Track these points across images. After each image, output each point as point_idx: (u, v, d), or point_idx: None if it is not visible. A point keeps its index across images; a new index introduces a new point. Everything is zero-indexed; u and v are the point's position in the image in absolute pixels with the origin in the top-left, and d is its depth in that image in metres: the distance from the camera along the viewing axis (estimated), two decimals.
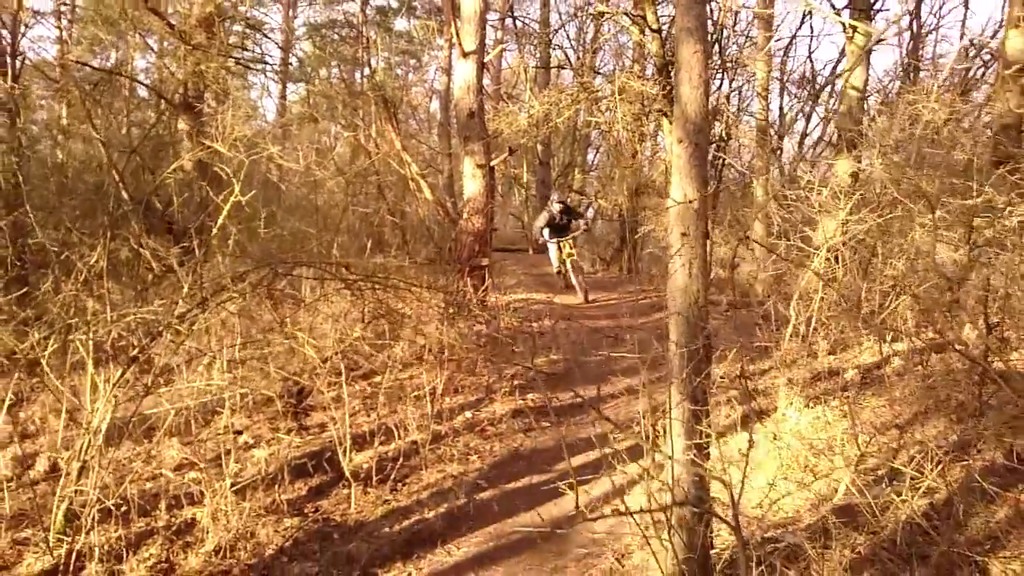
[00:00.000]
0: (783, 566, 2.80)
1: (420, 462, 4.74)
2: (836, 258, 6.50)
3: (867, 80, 11.41)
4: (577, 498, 2.36)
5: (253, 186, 7.71)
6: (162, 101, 11.05)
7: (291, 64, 19.80)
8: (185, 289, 4.12)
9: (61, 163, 11.10)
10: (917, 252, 5.28)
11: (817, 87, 18.87)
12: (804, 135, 19.42)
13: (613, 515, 2.65)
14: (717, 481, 2.54)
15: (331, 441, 4.90)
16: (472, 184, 8.08)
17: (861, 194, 6.49)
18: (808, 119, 19.13)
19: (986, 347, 4.94)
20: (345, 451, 4.51)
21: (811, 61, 21.92)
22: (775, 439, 4.51)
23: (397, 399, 5.58)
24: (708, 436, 2.69)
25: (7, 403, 4.47)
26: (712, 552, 2.98)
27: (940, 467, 3.53)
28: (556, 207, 10.01)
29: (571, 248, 9.85)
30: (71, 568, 3.55)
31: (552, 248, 10.11)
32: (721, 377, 5.61)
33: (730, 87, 16.83)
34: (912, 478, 3.32)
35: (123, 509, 3.90)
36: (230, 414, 5.16)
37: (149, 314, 4.05)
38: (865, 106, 10.93)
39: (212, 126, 9.84)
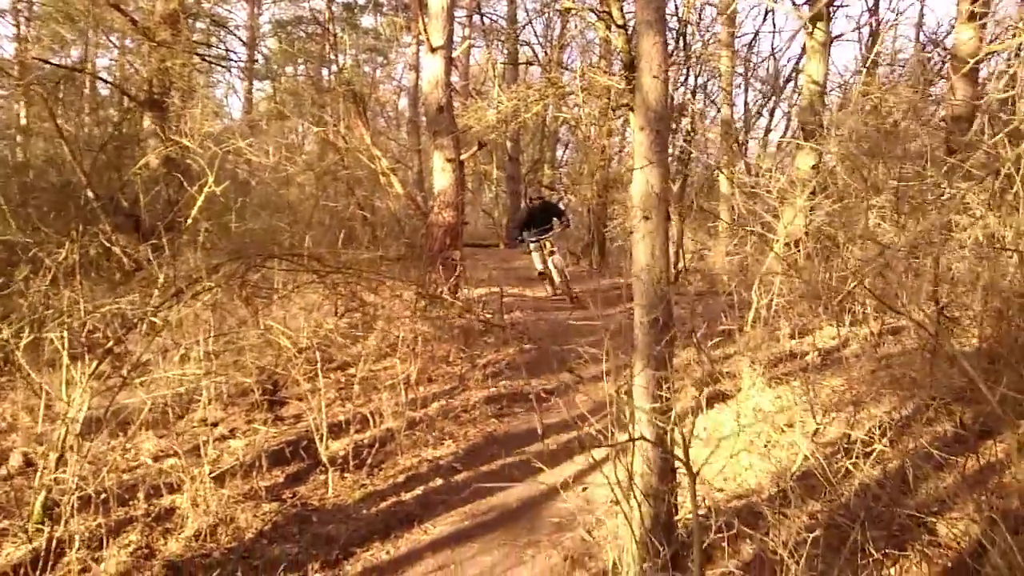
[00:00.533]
0: (742, 527, 2.96)
1: (396, 448, 4.84)
2: (797, 244, 6.73)
3: (827, 74, 11.75)
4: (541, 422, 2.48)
5: (223, 181, 7.75)
6: (126, 98, 10.96)
7: (257, 61, 19.68)
8: (161, 279, 4.18)
9: (23, 162, 10.97)
10: (869, 235, 5.50)
11: (780, 82, 19.25)
12: (768, 129, 19.78)
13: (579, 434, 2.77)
14: (676, 430, 2.69)
15: (307, 431, 4.99)
16: (442, 178, 8.18)
17: (817, 182, 6.73)
18: (772, 113, 19.49)
19: (936, 325, 5.17)
20: (322, 438, 4.59)
21: (774, 57, 22.44)
22: (738, 417, 4.68)
23: (372, 389, 5.67)
24: (668, 399, 2.83)
25: None
26: (676, 519, 3.13)
27: (891, 436, 3.73)
28: (535, 204, 9.61)
29: (551, 246, 9.42)
30: (51, 555, 3.59)
31: (534, 248, 9.57)
32: (687, 364, 5.82)
33: (695, 83, 17.12)
34: (864, 444, 3.50)
35: (102, 498, 3.95)
36: (206, 404, 5.23)
37: (126, 304, 4.10)
38: (825, 100, 11.25)
39: (179, 123, 9.83)
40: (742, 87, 18.65)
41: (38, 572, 3.48)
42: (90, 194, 8.85)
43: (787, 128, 17.84)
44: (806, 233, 6.79)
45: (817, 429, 3.82)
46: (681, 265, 13.03)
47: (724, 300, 7.58)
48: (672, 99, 18.58)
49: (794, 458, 3.93)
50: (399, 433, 4.96)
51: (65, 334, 3.96)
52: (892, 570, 3.02)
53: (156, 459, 4.66)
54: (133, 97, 10.60)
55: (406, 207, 9.42)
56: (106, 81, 12.50)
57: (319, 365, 4.89)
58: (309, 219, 8.50)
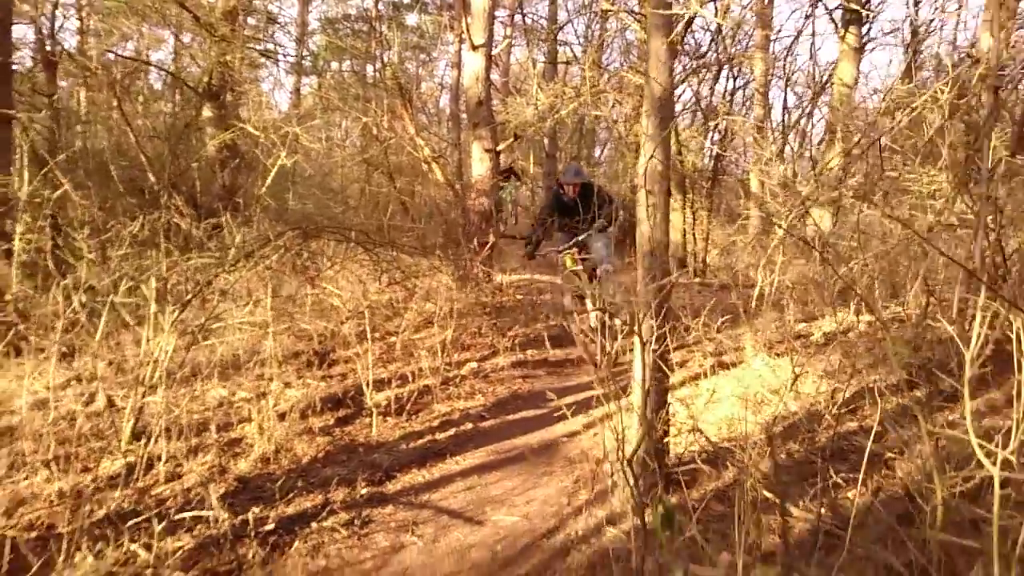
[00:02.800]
0: (727, 456, 3.50)
1: (432, 399, 5.46)
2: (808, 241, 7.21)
3: (857, 77, 12.22)
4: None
5: (279, 165, 8.48)
6: (185, 90, 11.79)
7: (306, 57, 20.51)
8: (237, 239, 4.85)
9: (87, 149, 11.84)
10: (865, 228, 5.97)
11: (819, 86, 19.53)
12: (805, 132, 20.07)
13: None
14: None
15: (354, 385, 5.65)
16: (480, 167, 8.78)
17: (830, 179, 7.20)
18: (810, 116, 19.79)
19: (924, 310, 5.63)
20: (368, 385, 5.22)
21: (814, 60, 22.83)
22: (739, 383, 5.21)
23: (411, 355, 6.31)
24: (667, 348, 3.38)
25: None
26: (667, 442, 3.69)
27: (870, 399, 4.23)
28: (569, 188, 6.60)
29: (574, 259, 6.56)
30: (142, 467, 4.27)
31: (567, 260, 6.66)
32: (698, 340, 6.36)
33: (735, 85, 17.60)
34: (845, 402, 4.02)
35: (181, 426, 4.62)
36: (265, 363, 5.90)
37: (207, 259, 4.78)
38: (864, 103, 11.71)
39: (237, 113, 10.61)
40: (782, 90, 19.08)
41: (134, 478, 4.16)
42: (152, 178, 9.65)
43: (825, 130, 18.21)
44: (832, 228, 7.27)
45: (797, 376, 4.33)
46: (708, 261, 13.49)
47: (737, 287, 8.10)
48: (710, 101, 18.99)
49: (783, 412, 4.45)
50: (435, 388, 5.58)
51: (153, 283, 4.63)
52: (850, 493, 3.53)
53: (220, 406, 5.33)
54: (194, 88, 11.41)
55: (445, 194, 10.02)
56: (171, 74, 13.29)
57: (367, 322, 5.52)
58: (358, 202, 9.18)
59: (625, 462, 2.16)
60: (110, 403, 5.61)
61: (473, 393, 5.65)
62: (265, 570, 3.44)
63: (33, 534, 3.71)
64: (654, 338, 3.38)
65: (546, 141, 19.80)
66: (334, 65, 20.40)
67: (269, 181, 6.66)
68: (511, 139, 9.57)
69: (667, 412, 3.62)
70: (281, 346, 6.16)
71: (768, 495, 3.29)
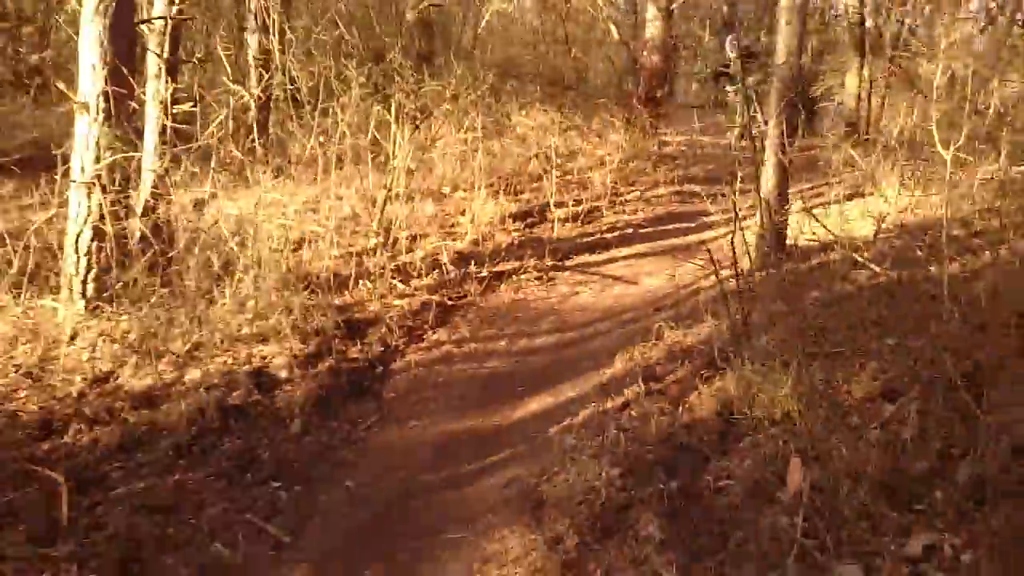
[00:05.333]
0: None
1: (601, 214, 6.73)
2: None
3: None
4: None
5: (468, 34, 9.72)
6: None
7: None
8: (458, 72, 6.20)
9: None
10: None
11: None
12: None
13: None
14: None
15: (539, 205, 7.00)
16: (652, 26, 9.54)
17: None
18: None
19: None
20: (551, 200, 6.55)
21: None
22: (867, 206, 6.01)
23: (585, 187, 7.54)
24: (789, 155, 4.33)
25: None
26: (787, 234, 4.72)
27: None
28: None
29: None
30: (388, 244, 5.88)
31: None
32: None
33: None
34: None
35: (412, 222, 6.18)
36: (467, 188, 7.35)
37: (436, 86, 6.20)
38: None
39: None
40: None
41: (384, 249, 5.79)
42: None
43: None
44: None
45: (902, 186, 5.11)
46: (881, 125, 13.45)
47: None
48: None
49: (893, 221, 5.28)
50: (604, 206, 6.84)
51: (394, 104, 6.09)
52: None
53: (439, 211, 6.87)
54: None
55: (621, 52, 10.77)
56: None
57: (553, 151, 6.78)
58: (544, 56, 10.29)
59: (733, 197, 3.23)
60: (353, 212, 7.36)
61: (636, 211, 6.85)
62: (483, 298, 4.96)
63: (326, 273, 5.42)
64: (778, 136, 4.37)
65: (724, 8, 19.48)
66: None
67: (484, 22, 7.91)
68: None
69: (787, 202, 4.63)
70: (476, 177, 7.59)
71: (859, 259, 4.29)
